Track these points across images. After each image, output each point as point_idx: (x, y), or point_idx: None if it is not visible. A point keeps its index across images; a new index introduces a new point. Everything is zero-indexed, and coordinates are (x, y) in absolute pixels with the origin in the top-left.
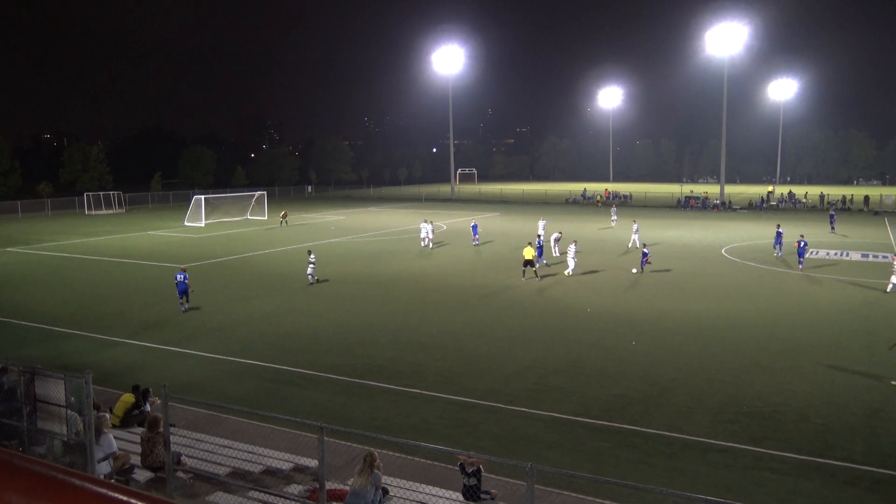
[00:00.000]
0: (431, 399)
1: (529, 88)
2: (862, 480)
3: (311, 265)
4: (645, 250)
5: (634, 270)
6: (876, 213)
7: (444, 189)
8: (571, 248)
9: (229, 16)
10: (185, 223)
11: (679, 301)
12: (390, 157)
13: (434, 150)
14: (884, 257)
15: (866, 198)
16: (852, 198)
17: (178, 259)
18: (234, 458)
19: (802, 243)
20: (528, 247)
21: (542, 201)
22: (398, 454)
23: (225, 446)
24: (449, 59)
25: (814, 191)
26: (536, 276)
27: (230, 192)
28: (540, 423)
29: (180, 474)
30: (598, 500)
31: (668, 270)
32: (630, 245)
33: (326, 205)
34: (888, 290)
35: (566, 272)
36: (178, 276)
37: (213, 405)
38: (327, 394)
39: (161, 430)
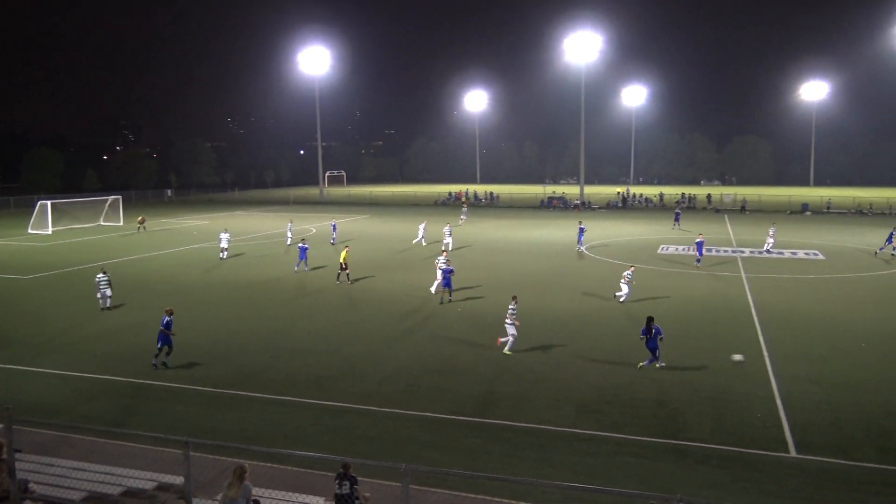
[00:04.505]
0: (304, 406)
1: (397, 91)
2: (711, 458)
3: (103, 289)
4: (445, 267)
5: (435, 293)
6: (717, 210)
7: (312, 192)
8: (441, 259)
9: (78, 7)
10: (29, 230)
11: (544, 298)
12: (256, 160)
13: (301, 152)
14: (724, 251)
15: (709, 196)
16: (695, 197)
17: (21, 269)
18: (90, 480)
19: (699, 241)
20: (345, 251)
21: (413, 203)
22: (270, 464)
23: (79, 469)
24: (315, 60)
25: (657, 191)
26: (348, 280)
27: (81, 197)
28: (414, 424)
29: (28, 503)
30: (472, 495)
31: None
32: (415, 242)
33: (188, 209)
34: (621, 299)
35: (436, 287)
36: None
37: (64, 426)
38: (193, 407)
39: (4, 456)
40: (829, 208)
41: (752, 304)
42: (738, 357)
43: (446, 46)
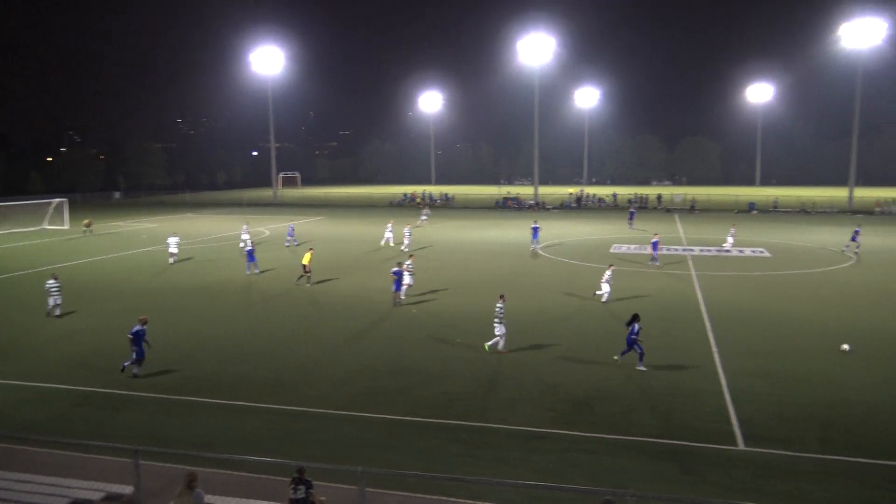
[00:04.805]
0: (258, 411)
1: (351, 91)
2: (661, 453)
3: (54, 295)
4: (397, 269)
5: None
6: (668, 210)
7: (266, 193)
8: (407, 264)
9: (20, 4)
10: None
11: (494, 298)
12: (208, 161)
13: (254, 153)
14: (674, 250)
15: (659, 196)
16: (647, 197)
17: None
18: (35, 493)
19: (654, 241)
20: (309, 252)
21: (368, 204)
22: (223, 471)
23: (23, 481)
24: (268, 60)
25: (611, 191)
26: (308, 283)
27: (24, 200)
28: (371, 426)
29: None
30: (428, 496)
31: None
32: (383, 243)
33: (137, 212)
34: (600, 295)
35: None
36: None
37: (8, 436)
38: (143, 414)
39: None
40: (775, 207)
41: (701, 301)
42: (845, 347)
43: (401, 47)
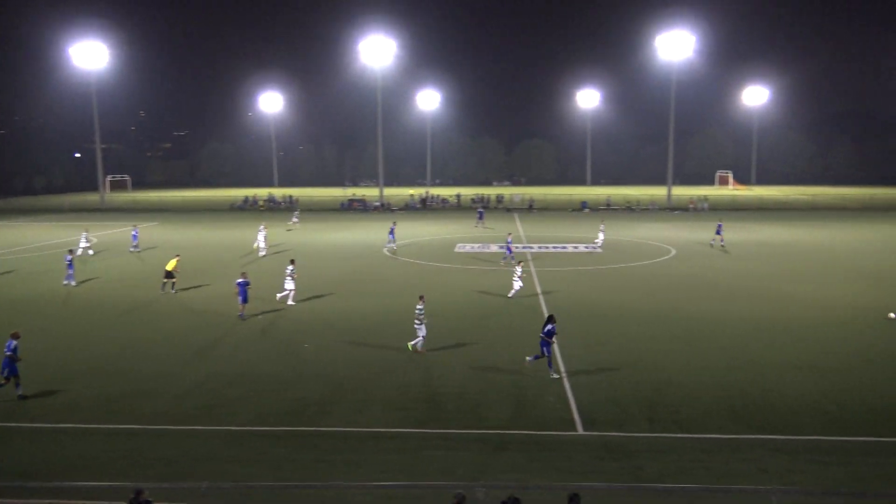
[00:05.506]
0: (89, 432)
1: (186, 90)
2: (509, 444)
3: None
4: (242, 280)
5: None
6: (508, 210)
7: (92, 198)
8: (289, 269)
9: None
10: None
11: (347, 300)
12: (23, 164)
13: (77, 154)
14: (516, 247)
15: (499, 196)
16: (488, 197)
17: None
18: None
19: (509, 241)
20: (174, 259)
21: (206, 208)
22: (52, 500)
23: None
24: (90, 55)
25: (454, 192)
26: (172, 290)
27: None
28: (216, 440)
29: None
30: None
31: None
32: (257, 247)
33: None
34: (509, 293)
35: (281, 297)
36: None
37: None
38: None
39: None
40: (608, 205)
41: (541, 296)
42: (892, 315)
43: (239, 46)
